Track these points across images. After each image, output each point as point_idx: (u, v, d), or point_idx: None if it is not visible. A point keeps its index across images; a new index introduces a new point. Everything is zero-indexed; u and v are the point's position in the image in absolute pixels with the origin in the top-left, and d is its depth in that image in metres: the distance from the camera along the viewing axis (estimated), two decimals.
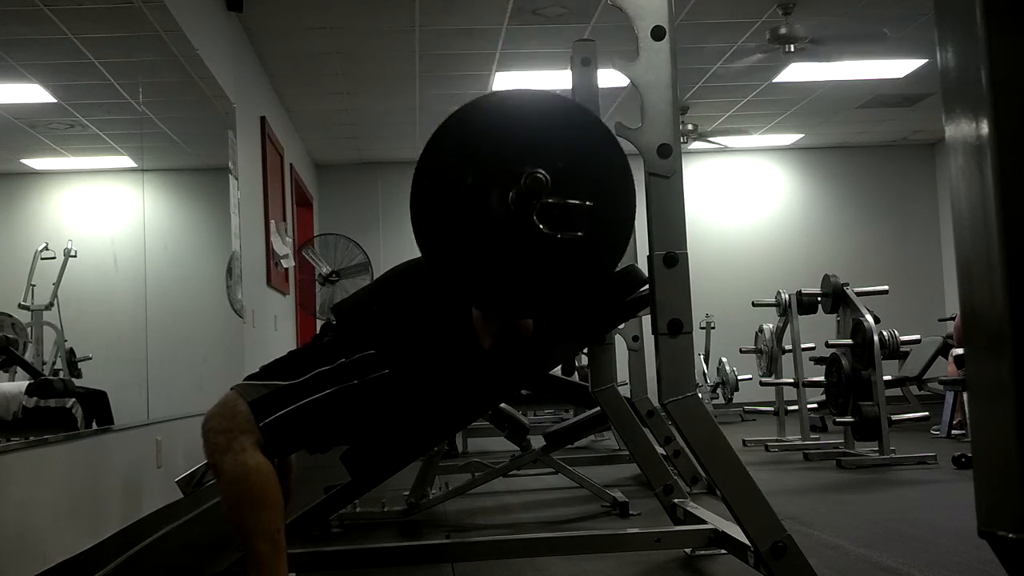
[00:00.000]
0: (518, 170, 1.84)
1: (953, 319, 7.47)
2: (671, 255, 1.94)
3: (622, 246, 1.97)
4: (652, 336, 2.01)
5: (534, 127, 1.91)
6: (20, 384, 3.27)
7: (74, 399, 3.30)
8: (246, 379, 2.07)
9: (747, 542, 2.05)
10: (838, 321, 5.50)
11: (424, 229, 1.88)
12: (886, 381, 5.02)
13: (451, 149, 1.89)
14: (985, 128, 1.05)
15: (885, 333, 5.10)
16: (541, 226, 1.85)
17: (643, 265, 2.14)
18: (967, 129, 1.08)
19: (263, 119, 6.46)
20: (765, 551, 1.87)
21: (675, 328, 1.93)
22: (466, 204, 1.87)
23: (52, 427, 3.07)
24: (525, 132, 1.89)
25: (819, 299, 5.73)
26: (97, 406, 3.38)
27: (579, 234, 1.87)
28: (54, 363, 3.55)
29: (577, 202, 1.86)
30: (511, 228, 1.86)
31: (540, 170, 1.82)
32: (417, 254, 2.37)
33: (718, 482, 1.91)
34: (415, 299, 2.20)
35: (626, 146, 1.93)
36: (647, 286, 2.17)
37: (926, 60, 7.31)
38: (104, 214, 4.01)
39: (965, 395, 5.77)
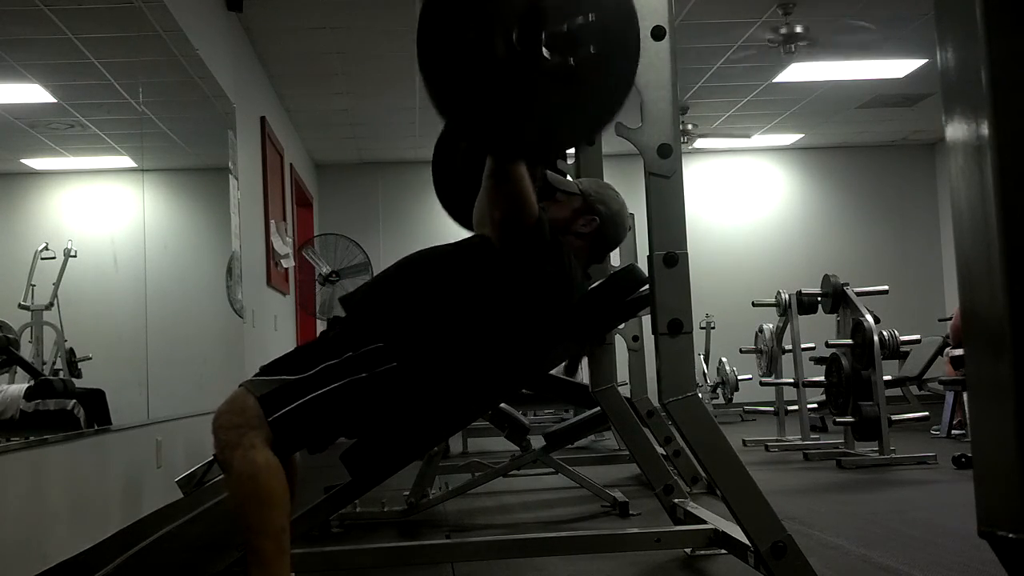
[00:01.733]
0: (519, 3, 1.79)
1: (951, 320, 7.47)
2: (671, 255, 1.95)
3: (631, 70, 1.90)
4: (652, 336, 2.01)
5: None
6: (22, 387, 3.27)
7: (74, 400, 3.31)
8: (255, 375, 2.07)
9: (747, 542, 2.05)
10: (838, 321, 5.50)
11: (432, 75, 1.84)
12: (886, 381, 5.02)
13: None
14: (985, 128, 1.05)
15: (885, 333, 5.10)
16: (548, 56, 1.80)
17: (643, 265, 2.14)
18: (967, 129, 1.08)
19: (263, 119, 6.46)
20: (765, 551, 1.87)
21: (675, 328, 1.93)
22: (472, 47, 1.82)
23: (54, 428, 3.08)
24: None
25: (819, 299, 5.73)
26: (95, 405, 3.38)
27: (591, 50, 1.82)
28: (54, 363, 3.56)
29: (580, 20, 1.81)
30: (519, 63, 1.81)
31: None
32: (419, 248, 2.38)
33: (718, 482, 1.92)
34: (421, 292, 2.20)
35: (627, 146, 1.93)
36: (647, 286, 2.17)
37: (926, 60, 7.31)
38: (104, 214, 4.01)
39: (965, 395, 5.77)
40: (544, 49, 1.80)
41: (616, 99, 1.88)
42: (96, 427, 3.30)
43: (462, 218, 2.74)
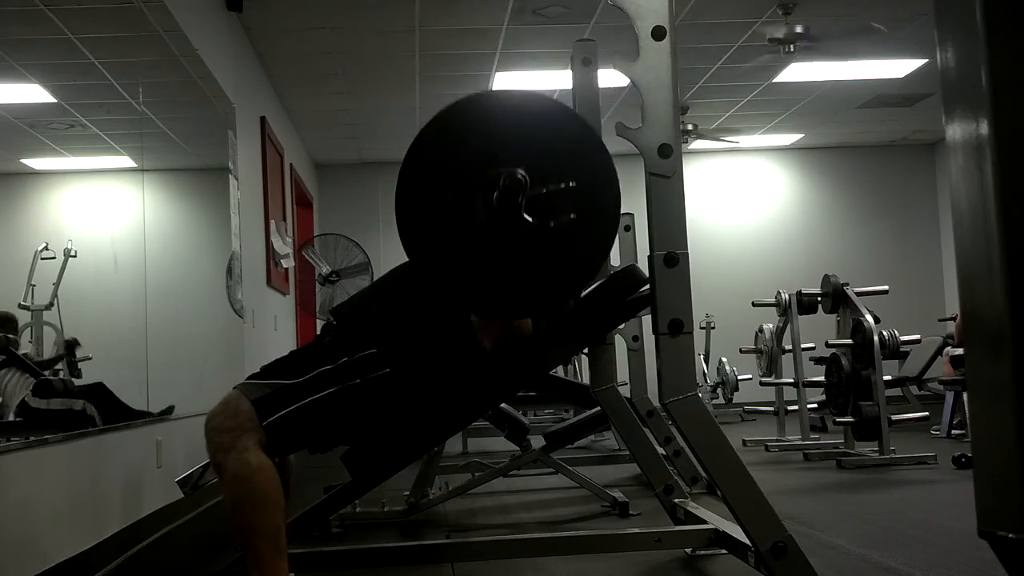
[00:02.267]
0: (497, 171, 1.84)
1: (953, 319, 7.48)
2: (672, 255, 1.94)
3: (611, 232, 1.98)
4: (652, 336, 2.01)
5: (508, 127, 1.92)
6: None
7: (83, 401, 3.31)
8: (248, 378, 2.07)
9: (747, 542, 2.05)
10: (838, 321, 5.50)
11: (412, 238, 1.89)
12: (886, 381, 5.02)
13: (430, 157, 1.90)
14: (985, 128, 1.05)
15: (885, 333, 5.10)
16: (529, 219, 1.85)
17: (643, 265, 2.14)
18: (967, 129, 1.08)
19: (263, 119, 6.46)
20: (766, 551, 1.87)
21: (676, 328, 1.93)
22: (451, 210, 1.88)
23: (67, 427, 3.10)
24: (499, 133, 1.90)
25: (819, 299, 5.73)
26: (102, 399, 3.39)
27: (571, 216, 1.87)
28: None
29: (561, 186, 1.87)
30: (499, 227, 1.87)
31: (519, 169, 1.83)
32: None
33: (719, 482, 1.91)
34: (415, 299, 2.20)
35: (627, 146, 1.93)
36: (647, 286, 2.17)
37: (926, 60, 7.31)
38: (104, 214, 4.01)
39: (965, 395, 5.77)
40: (524, 213, 1.85)
41: (596, 261, 1.96)
42: (113, 421, 3.29)
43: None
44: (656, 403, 3.27)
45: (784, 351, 6.53)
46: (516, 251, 1.89)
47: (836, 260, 9.36)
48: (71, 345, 3.67)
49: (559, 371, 6.21)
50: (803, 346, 6.08)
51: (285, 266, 6.91)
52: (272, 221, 6.53)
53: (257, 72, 6.58)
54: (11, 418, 3.31)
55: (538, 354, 2.27)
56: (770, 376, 6.76)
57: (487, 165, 1.86)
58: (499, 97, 2.01)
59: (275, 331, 6.71)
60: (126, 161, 4.12)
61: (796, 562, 1.86)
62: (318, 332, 2.31)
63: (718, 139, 8.92)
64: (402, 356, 2.08)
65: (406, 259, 2.34)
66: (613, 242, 2.02)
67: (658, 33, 1.96)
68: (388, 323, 2.15)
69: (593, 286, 2.46)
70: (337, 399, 2.01)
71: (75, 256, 3.54)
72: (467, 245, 1.89)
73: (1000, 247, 1.03)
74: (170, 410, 3.64)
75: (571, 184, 1.87)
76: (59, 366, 3.58)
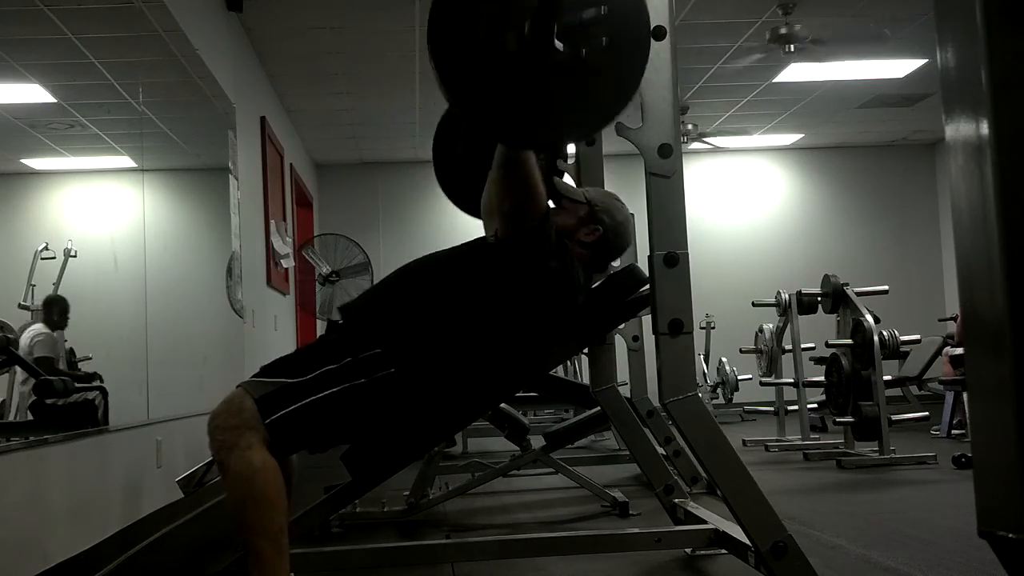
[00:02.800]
0: None
1: (954, 319, 7.48)
2: (672, 255, 1.94)
3: (642, 61, 1.91)
4: (652, 336, 2.01)
5: None
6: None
7: (97, 392, 3.33)
8: (253, 376, 2.07)
9: (748, 542, 2.05)
10: (838, 321, 5.50)
11: (445, 67, 1.81)
12: (886, 381, 5.02)
13: None
14: (985, 128, 1.05)
15: (885, 333, 5.10)
16: (561, 47, 1.81)
17: (644, 265, 2.14)
18: (967, 129, 1.08)
19: (263, 119, 6.46)
20: (766, 551, 1.87)
21: (676, 328, 1.93)
22: (484, 36, 1.82)
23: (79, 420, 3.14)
24: None
25: (819, 299, 5.73)
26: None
27: (603, 42, 1.83)
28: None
29: (592, 12, 1.83)
30: (532, 53, 1.81)
31: None
32: (418, 253, 2.38)
33: (719, 482, 1.92)
34: (421, 298, 2.20)
35: (627, 146, 1.93)
36: (647, 286, 2.17)
37: (926, 60, 7.32)
38: (104, 214, 4.01)
39: (965, 395, 5.77)
40: (556, 40, 1.80)
41: (627, 89, 1.88)
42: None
43: (465, 204, 2.75)
44: (656, 403, 3.27)
45: (784, 351, 6.53)
46: (549, 78, 1.83)
47: (836, 260, 9.36)
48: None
49: (559, 371, 6.21)
50: (803, 346, 6.08)
51: (285, 266, 6.91)
52: (272, 221, 6.53)
53: (257, 72, 6.58)
54: (13, 418, 3.32)
55: (538, 354, 2.27)
56: (770, 376, 6.76)
57: None
58: None
59: (275, 331, 6.71)
60: (126, 161, 4.12)
61: (796, 562, 1.87)
62: (319, 332, 2.31)
63: (703, 142, 8.91)
64: (407, 356, 2.08)
65: (406, 259, 2.35)
66: (643, 72, 1.92)
67: (658, 33, 1.96)
68: (393, 323, 2.15)
69: (594, 286, 2.46)
70: (341, 398, 2.01)
71: (75, 256, 3.54)
72: (500, 71, 1.82)
73: (1000, 247, 1.03)
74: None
75: (602, 10, 1.82)
76: (59, 366, 3.58)
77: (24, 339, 3.51)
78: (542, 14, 1.79)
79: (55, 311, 3.61)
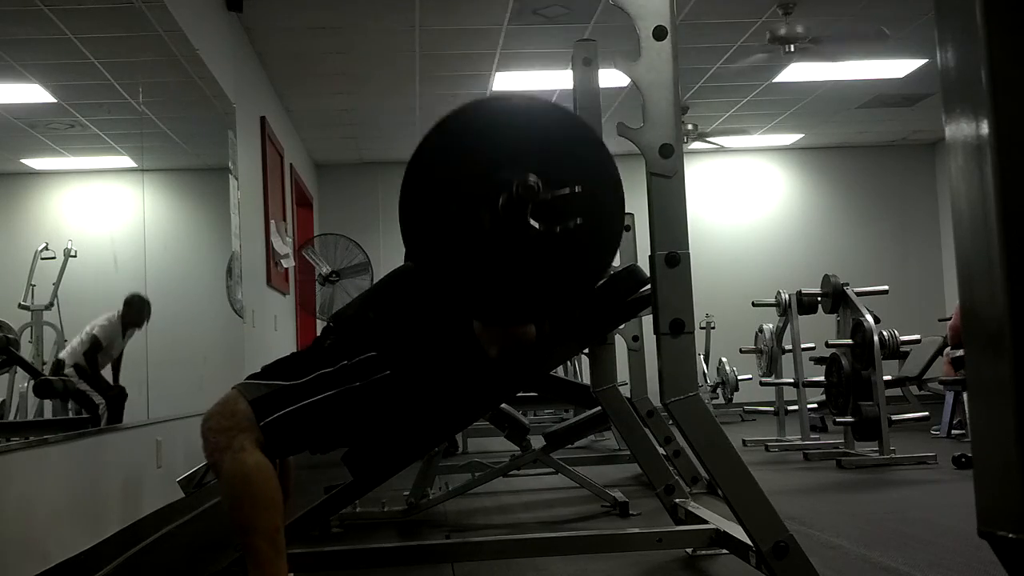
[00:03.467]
0: (505, 177, 1.83)
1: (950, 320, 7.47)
2: (673, 255, 1.94)
3: (616, 236, 1.97)
4: (653, 336, 2.00)
5: (511, 132, 1.91)
6: None
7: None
8: (247, 378, 2.07)
9: (748, 542, 2.05)
10: (838, 321, 5.50)
11: (417, 246, 1.88)
12: (886, 381, 5.02)
13: (434, 164, 1.88)
14: (985, 128, 1.05)
15: (885, 333, 5.10)
16: (536, 225, 1.84)
17: (644, 265, 2.14)
18: (967, 129, 1.08)
19: (263, 119, 6.46)
20: (767, 551, 1.86)
21: (677, 328, 1.93)
22: (456, 217, 1.86)
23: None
24: (503, 139, 1.89)
25: (819, 299, 5.73)
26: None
27: (578, 221, 1.86)
28: (54, 363, 3.55)
29: (566, 191, 1.86)
30: (505, 234, 1.86)
31: (531, 175, 1.82)
32: None
33: (720, 482, 1.91)
34: (415, 301, 2.20)
35: (628, 146, 1.93)
36: (648, 286, 2.17)
37: (926, 60, 7.32)
38: (104, 214, 4.01)
39: (965, 395, 5.77)
40: (530, 220, 1.85)
41: (602, 265, 1.96)
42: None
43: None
44: (656, 403, 3.26)
45: (784, 351, 6.53)
46: (522, 257, 1.88)
47: (836, 260, 9.36)
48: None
49: (559, 371, 6.21)
50: (803, 346, 6.08)
51: (285, 266, 6.90)
52: (272, 221, 6.53)
53: (257, 72, 6.58)
54: (13, 418, 3.32)
55: (539, 355, 2.27)
56: (770, 376, 6.76)
57: (492, 171, 1.85)
58: (500, 102, 2.01)
59: (275, 331, 6.71)
60: (126, 161, 4.12)
61: (797, 562, 1.87)
62: (318, 333, 2.31)
63: (706, 141, 8.91)
64: (402, 358, 2.08)
65: (406, 259, 2.35)
66: (618, 245, 2.00)
67: (659, 33, 1.96)
68: (388, 326, 2.15)
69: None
70: (336, 401, 2.01)
71: (75, 256, 3.54)
72: (472, 252, 1.88)
73: (1000, 247, 1.03)
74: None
75: (576, 189, 1.86)
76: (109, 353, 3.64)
77: (91, 323, 3.68)
78: (517, 195, 1.82)
79: (133, 309, 3.77)
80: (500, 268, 1.89)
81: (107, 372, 3.79)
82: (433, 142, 1.89)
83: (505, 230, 1.85)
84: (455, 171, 1.88)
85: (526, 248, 1.87)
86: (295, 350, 2.66)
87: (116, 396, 3.76)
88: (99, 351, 3.68)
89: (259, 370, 2.11)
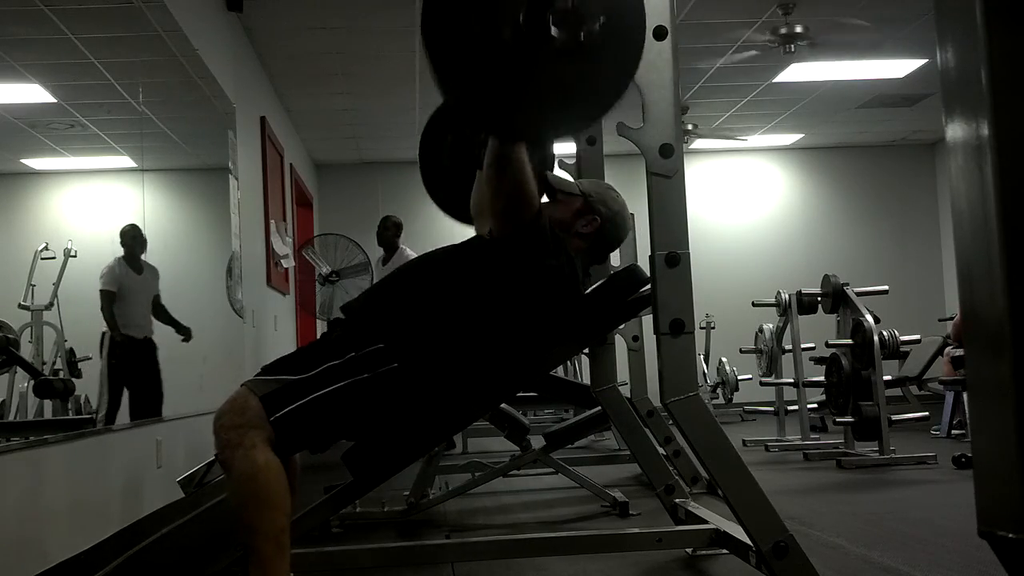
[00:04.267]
0: None
1: (953, 319, 7.47)
2: (673, 255, 1.94)
3: (638, 46, 1.90)
4: (653, 336, 2.00)
5: None
6: None
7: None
8: (257, 375, 2.07)
9: (749, 542, 2.05)
10: (838, 321, 5.50)
11: (441, 65, 1.80)
12: (886, 381, 5.02)
13: None
14: (985, 128, 1.05)
15: (885, 333, 5.10)
16: (556, 33, 1.80)
17: (644, 265, 2.14)
18: (967, 129, 1.08)
19: (263, 119, 6.46)
20: (767, 551, 1.87)
21: (677, 328, 1.93)
22: (478, 31, 1.80)
23: None
24: None
25: (819, 299, 5.73)
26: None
27: (598, 24, 1.81)
28: (54, 363, 3.55)
29: None
30: (528, 44, 1.80)
31: None
32: (418, 253, 2.38)
33: (720, 482, 1.92)
34: (422, 294, 2.20)
35: (627, 146, 1.93)
36: (648, 286, 2.17)
37: (926, 60, 7.31)
38: (104, 214, 4.01)
39: (965, 395, 5.77)
40: (552, 27, 1.79)
41: (626, 72, 1.88)
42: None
43: (454, 211, 2.77)
44: (656, 403, 3.26)
45: (784, 351, 6.53)
46: (545, 67, 1.82)
47: (836, 260, 9.36)
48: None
49: (559, 371, 6.21)
50: (803, 346, 6.08)
51: (285, 266, 6.90)
52: (272, 221, 6.53)
53: (257, 72, 6.58)
54: (13, 418, 3.32)
55: (539, 355, 2.27)
56: (770, 376, 6.76)
57: None
58: None
59: (275, 331, 6.71)
60: (126, 161, 4.12)
61: (797, 561, 1.87)
62: (319, 332, 2.31)
63: (730, 137, 8.91)
64: (410, 350, 2.08)
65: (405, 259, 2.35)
66: (640, 57, 1.91)
67: (659, 33, 1.96)
68: (396, 318, 2.15)
69: (594, 286, 2.46)
70: (345, 394, 2.01)
71: (75, 256, 3.54)
72: (496, 66, 1.81)
73: (1000, 247, 1.03)
74: None
75: None
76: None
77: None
78: (536, 2, 1.77)
79: (126, 238, 3.83)
80: (525, 80, 1.83)
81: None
82: None
83: (527, 40, 1.80)
84: None
85: (549, 58, 1.81)
86: (302, 345, 2.68)
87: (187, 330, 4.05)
88: (114, 302, 3.71)
89: (268, 366, 2.10)
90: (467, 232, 2.49)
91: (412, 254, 6.48)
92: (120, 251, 3.85)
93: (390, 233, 6.78)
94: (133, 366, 3.80)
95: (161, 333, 3.97)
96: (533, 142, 2.05)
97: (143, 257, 3.89)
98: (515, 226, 2.14)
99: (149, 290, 3.98)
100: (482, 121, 1.92)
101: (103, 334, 3.68)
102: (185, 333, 4.15)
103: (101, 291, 3.74)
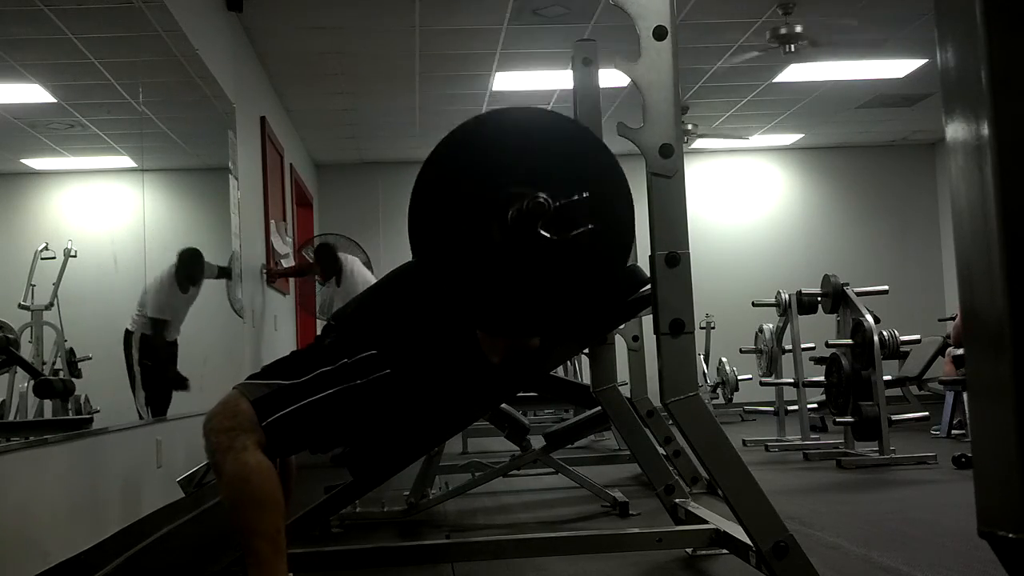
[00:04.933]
0: (515, 191, 1.85)
1: (953, 319, 7.48)
2: (673, 255, 1.94)
3: (628, 240, 1.98)
4: (653, 336, 2.00)
5: (517, 145, 1.93)
6: None
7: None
8: (248, 378, 2.07)
9: (749, 542, 2.05)
10: (838, 321, 5.50)
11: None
12: (886, 381, 5.02)
13: (442, 180, 1.91)
14: (985, 128, 1.05)
15: (885, 333, 5.10)
16: (547, 235, 1.85)
17: (644, 265, 2.14)
18: (967, 129, 1.08)
19: (263, 119, 6.46)
20: (767, 551, 1.86)
21: (677, 328, 1.93)
22: (467, 231, 1.88)
23: None
24: (509, 152, 1.92)
25: (819, 299, 5.73)
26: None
27: (589, 226, 1.87)
28: (54, 363, 3.55)
29: (575, 197, 1.87)
30: (515, 245, 1.87)
31: (540, 194, 1.84)
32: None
33: (720, 482, 1.91)
34: (415, 299, 2.20)
35: (627, 146, 1.93)
36: (648, 286, 2.17)
37: (926, 60, 7.32)
38: (104, 214, 4.01)
39: (965, 395, 5.77)
40: (540, 230, 1.85)
41: (614, 270, 1.96)
42: None
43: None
44: (656, 403, 3.25)
45: (784, 351, 6.53)
46: (534, 268, 1.89)
47: (836, 260, 9.36)
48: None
49: (559, 371, 6.21)
50: (803, 346, 6.08)
51: (285, 266, 6.91)
52: (272, 221, 6.53)
53: (257, 72, 6.58)
54: (13, 418, 3.32)
55: (539, 356, 2.27)
56: (770, 376, 6.76)
57: (501, 185, 1.88)
58: (504, 115, 2.03)
59: (275, 331, 6.71)
60: (126, 161, 4.12)
61: (798, 562, 1.87)
62: (319, 332, 2.31)
63: (729, 136, 8.92)
64: (403, 356, 2.08)
65: (406, 259, 2.35)
66: (630, 251, 2.01)
67: (659, 33, 1.96)
68: (388, 324, 2.15)
69: None
70: (337, 400, 2.01)
71: (75, 256, 3.53)
72: (483, 264, 1.89)
73: (1000, 247, 1.03)
74: None
75: (584, 195, 1.87)
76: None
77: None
78: (528, 208, 1.83)
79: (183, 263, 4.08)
80: (512, 280, 1.90)
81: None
82: (441, 155, 1.92)
83: (515, 241, 1.87)
84: (464, 185, 1.90)
85: (537, 258, 1.88)
86: (295, 350, 2.69)
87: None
88: (164, 329, 3.91)
89: (260, 370, 2.11)
90: None
91: (356, 262, 6.40)
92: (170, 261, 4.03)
93: (331, 259, 6.40)
94: (164, 366, 3.98)
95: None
96: (526, 337, 2.12)
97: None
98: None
99: (190, 302, 4.20)
100: (472, 318, 1.99)
101: (127, 332, 3.82)
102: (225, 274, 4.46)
103: (153, 319, 3.94)
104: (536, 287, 1.92)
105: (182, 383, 4.20)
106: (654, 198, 1.96)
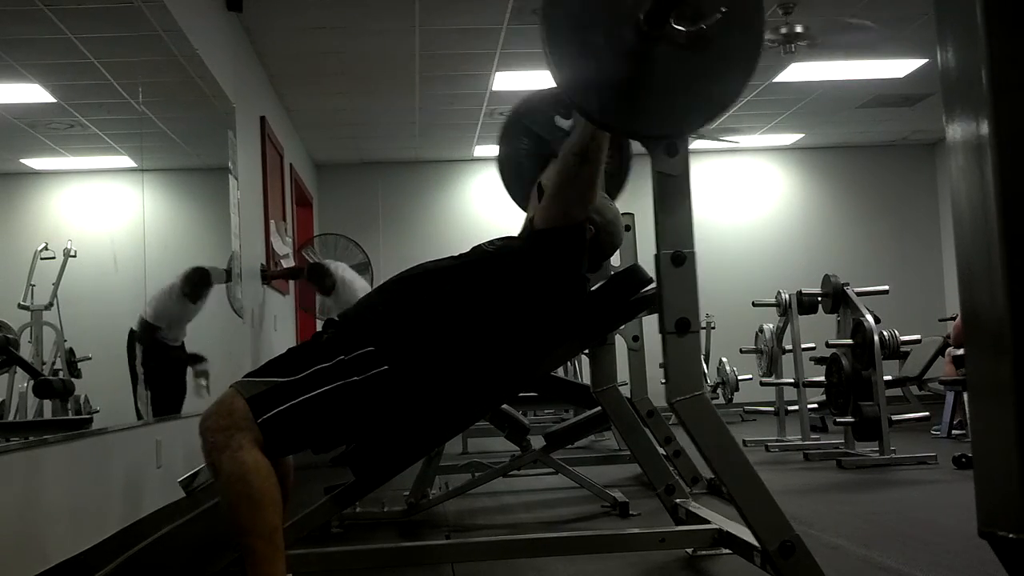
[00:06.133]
0: None
1: (953, 319, 7.47)
2: (679, 254, 1.94)
3: (761, 20, 1.94)
4: (653, 336, 2.00)
5: None
6: None
7: None
8: (246, 376, 2.07)
9: (752, 541, 2.05)
10: (838, 321, 5.50)
11: (567, 73, 1.84)
12: (886, 381, 5.02)
13: None
14: (985, 128, 1.05)
15: (885, 333, 5.10)
16: (680, 28, 1.81)
17: (647, 264, 2.14)
18: (967, 129, 1.08)
19: (263, 119, 6.46)
20: (773, 550, 1.86)
21: (682, 327, 1.92)
22: (601, 41, 1.83)
23: None
24: None
25: (819, 299, 5.73)
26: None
27: (722, 10, 1.83)
28: (54, 363, 3.55)
29: None
30: (651, 42, 1.82)
31: None
32: (418, 253, 2.39)
33: (726, 481, 1.91)
34: (416, 300, 2.20)
35: (635, 145, 1.93)
36: (650, 286, 2.17)
37: (926, 60, 7.31)
38: (104, 214, 4.01)
39: (965, 395, 5.77)
40: (672, 24, 1.81)
41: (752, 56, 1.95)
42: None
43: (512, 189, 2.84)
44: (656, 403, 3.25)
45: (784, 351, 6.52)
46: (671, 64, 1.84)
47: (836, 260, 9.34)
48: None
49: (559, 371, 6.21)
50: (803, 346, 6.07)
51: (285, 266, 6.90)
52: (272, 221, 6.53)
53: (257, 72, 6.57)
54: (13, 418, 3.32)
55: (539, 356, 2.27)
56: (770, 376, 6.75)
57: None
58: None
59: (275, 331, 6.71)
60: (126, 161, 4.12)
61: (804, 561, 1.86)
62: (318, 330, 2.31)
63: (717, 139, 8.91)
64: (401, 353, 2.08)
65: (406, 259, 2.35)
66: (763, 41, 1.95)
67: None
68: (388, 323, 2.15)
69: (596, 286, 2.46)
70: (333, 396, 2.00)
71: (75, 256, 3.53)
72: (623, 66, 1.84)
73: (1000, 247, 1.03)
74: None
75: None
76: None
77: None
78: (656, 7, 1.78)
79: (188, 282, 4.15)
80: (653, 77, 1.85)
81: None
82: None
83: (650, 38, 1.82)
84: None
85: (674, 53, 1.83)
86: (293, 346, 2.69)
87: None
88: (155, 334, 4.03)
89: (257, 368, 2.10)
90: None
91: (346, 268, 6.30)
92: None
93: (322, 276, 6.17)
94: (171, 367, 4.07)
95: None
96: (664, 138, 2.07)
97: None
98: (567, 219, 2.17)
99: (198, 310, 4.32)
100: (614, 127, 1.95)
101: (131, 332, 3.89)
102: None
103: (146, 322, 4.00)
104: (681, 80, 1.86)
105: (199, 358, 4.37)
106: (660, 197, 1.95)
